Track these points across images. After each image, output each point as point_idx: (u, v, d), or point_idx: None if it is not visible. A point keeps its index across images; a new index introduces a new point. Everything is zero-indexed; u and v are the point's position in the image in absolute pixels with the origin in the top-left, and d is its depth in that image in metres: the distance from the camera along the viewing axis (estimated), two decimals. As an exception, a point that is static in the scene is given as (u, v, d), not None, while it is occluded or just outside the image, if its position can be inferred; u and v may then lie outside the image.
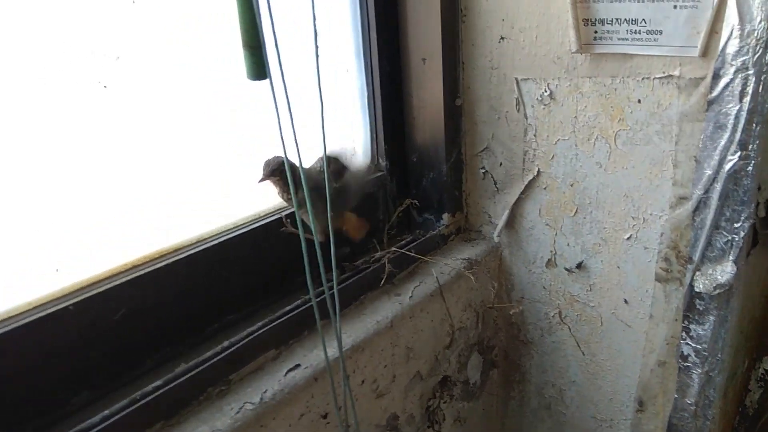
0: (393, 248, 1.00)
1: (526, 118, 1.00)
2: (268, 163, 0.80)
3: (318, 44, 0.64)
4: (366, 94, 1.03)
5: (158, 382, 0.68)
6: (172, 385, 0.68)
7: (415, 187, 1.11)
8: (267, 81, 0.57)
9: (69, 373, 0.68)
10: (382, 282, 0.93)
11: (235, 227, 0.85)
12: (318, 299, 0.85)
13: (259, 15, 0.55)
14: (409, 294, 0.95)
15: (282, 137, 0.59)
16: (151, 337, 0.75)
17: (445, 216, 1.09)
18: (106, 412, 0.64)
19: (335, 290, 0.73)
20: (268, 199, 0.90)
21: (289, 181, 0.65)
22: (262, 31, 0.55)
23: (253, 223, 0.87)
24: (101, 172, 0.71)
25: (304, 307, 0.83)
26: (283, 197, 0.83)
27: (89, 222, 0.70)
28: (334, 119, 1.01)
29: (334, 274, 0.74)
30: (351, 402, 0.76)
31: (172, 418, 0.68)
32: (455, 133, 1.06)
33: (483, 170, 1.09)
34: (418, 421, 1.01)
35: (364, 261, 0.98)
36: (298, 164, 0.64)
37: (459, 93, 1.04)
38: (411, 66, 1.03)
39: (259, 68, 0.56)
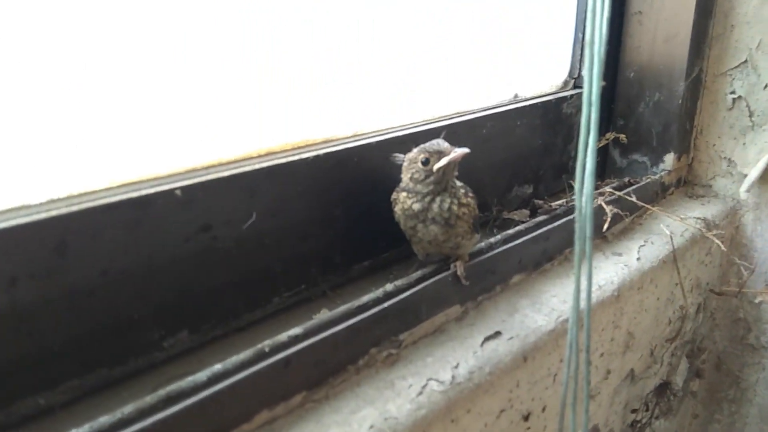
0: (607, 189, 0.70)
1: (826, 15, 0.68)
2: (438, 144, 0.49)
3: None
4: (578, -25, 0.74)
5: (297, 330, 0.42)
6: (318, 337, 0.42)
7: (622, 116, 0.81)
8: None
9: (165, 306, 0.43)
10: (605, 228, 0.63)
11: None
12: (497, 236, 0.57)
13: None
14: (635, 255, 0.65)
15: None
16: (283, 267, 0.50)
17: (668, 158, 0.78)
18: (218, 367, 0.39)
19: (589, 206, 0.44)
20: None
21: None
22: None
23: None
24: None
25: (506, 246, 0.55)
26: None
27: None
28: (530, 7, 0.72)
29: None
30: (585, 402, 0.47)
31: (317, 388, 0.42)
32: (702, 39, 0.74)
33: (733, 95, 0.77)
34: (618, 439, 0.71)
35: (561, 205, 0.69)
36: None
37: (717, -22, 0.73)
38: (653, -67, 0.72)
39: None
